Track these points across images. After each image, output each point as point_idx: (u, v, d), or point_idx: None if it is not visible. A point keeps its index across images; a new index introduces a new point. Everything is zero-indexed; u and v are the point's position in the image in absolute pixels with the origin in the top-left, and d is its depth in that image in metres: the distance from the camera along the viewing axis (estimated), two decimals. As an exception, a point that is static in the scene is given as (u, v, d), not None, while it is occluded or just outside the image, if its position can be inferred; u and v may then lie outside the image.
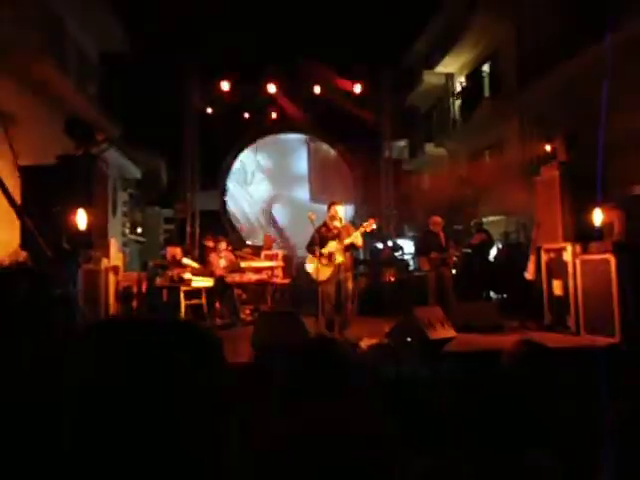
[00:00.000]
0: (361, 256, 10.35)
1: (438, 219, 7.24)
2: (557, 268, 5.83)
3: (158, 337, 0.53)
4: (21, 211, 3.37)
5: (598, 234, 5.27)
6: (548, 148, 6.13)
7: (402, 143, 17.53)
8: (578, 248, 5.50)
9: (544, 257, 6.10)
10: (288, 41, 14.14)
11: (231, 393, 0.58)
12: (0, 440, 0.48)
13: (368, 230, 5.54)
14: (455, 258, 7.35)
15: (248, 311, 7.95)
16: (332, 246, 5.44)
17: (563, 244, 5.67)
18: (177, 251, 8.71)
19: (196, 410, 0.50)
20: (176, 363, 0.51)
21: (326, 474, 0.59)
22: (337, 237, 5.43)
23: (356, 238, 5.38)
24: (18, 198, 3.97)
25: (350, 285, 5.48)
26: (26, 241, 4.41)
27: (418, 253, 7.31)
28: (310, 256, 5.61)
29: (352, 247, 5.47)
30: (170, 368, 0.50)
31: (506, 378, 1.40)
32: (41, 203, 4.34)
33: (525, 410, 1.33)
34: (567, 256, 5.61)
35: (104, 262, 5.94)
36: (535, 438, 1.41)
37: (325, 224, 5.63)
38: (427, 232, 7.31)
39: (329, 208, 5.66)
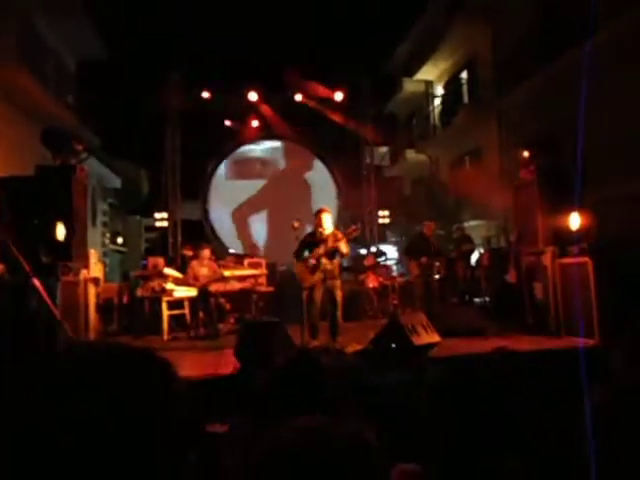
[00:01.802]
0: (344, 263, 10.37)
1: (432, 224, 7.32)
2: (537, 271, 5.93)
3: (94, 372, 0.50)
4: (-3, 224, 3.30)
5: (576, 238, 5.38)
6: (526, 153, 6.24)
7: (383, 150, 17.69)
8: (557, 252, 5.61)
9: (524, 261, 6.20)
10: (269, 49, 14.19)
11: (186, 421, 0.56)
12: None
13: (351, 237, 5.56)
14: (438, 263, 7.42)
15: (232, 320, 7.89)
16: (318, 253, 5.45)
17: (542, 248, 5.77)
18: (159, 261, 8.62)
19: (144, 448, 0.48)
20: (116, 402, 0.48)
21: None
22: (323, 244, 5.44)
23: (340, 245, 5.38)
24: (-6, 210, 3.89)
25: (339, 293, 5.48)
26: (3, 254, 4.32)
27: (408, 257, 7.33)
28: (296, 262, 5.61)
29: (337, 254, 5.47)
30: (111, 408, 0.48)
31: (481, 385, 1.41)
32: (19, 215, 4.25)
33: (501, 417, 1.34)
34: (546, 260, 5.72)
35: (83, 273, 5.85)
36: (513, 445, 1.43)
37: (312, 231, 5.65)
38: (419, 236, 7.36)
39: (316, 216, 5.66)
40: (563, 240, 5.54)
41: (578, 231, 5.28)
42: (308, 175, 14.39)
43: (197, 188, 13.30)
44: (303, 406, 1.24)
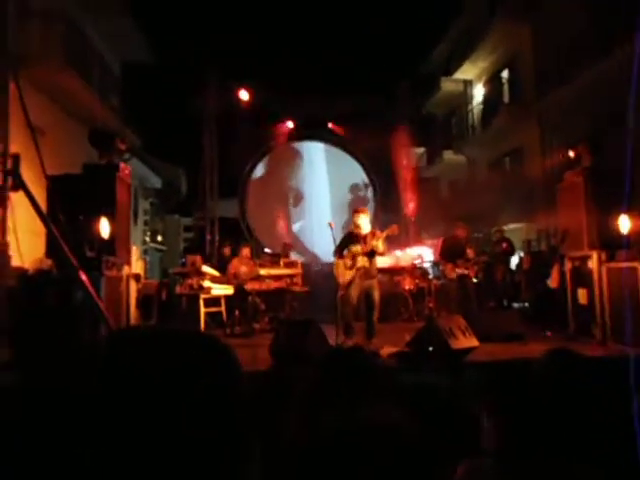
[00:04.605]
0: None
1: (464, 225, 7.18)
2: (582, 276, 5.71)
3: (176, 349, 0.52)
4: (47, 219, 3.43)
5: (625, 242, 5.15)
6: (572, 154, 6.02)
7: (420, 150, 17.47)
8: (604, 256, 5.38)
9: (568, 265, 5.98)
10: (308, 50, 14.25)
11: (249, 403, 0.57)
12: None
13: (390, 234, 5.50)
14: (476, 267, 7.25)
15: (267, 319, 7.95)
16: (355, 250, 5.45)
17: (588, 252, 5.56)
18: (197, 259, 8.78)
19: (215, 421, 0.49)
20: (193, 375, 0.50)
21: None
22: (361, 243, 5.45)
23: (377, 244, 5.35)
24: (44, 207, 4.05)
25: (376, 293, 5.44)
26: (51, 249, 4.49)
27: (443, 260, 7.20)
28: (335, 261, 5.63)
29: (375, 253, 5.44)
30: (188, 380, 0.50)
31: (538, 387, 1.36)
32: (66, 211, 4.41)
33: (558, 419, 1.29)
34: (592, 264, 5.49)
35: (126, 269, 6.01)
36: (573, 449, 1.37)
37: (350, 231, 5.68)
38: (451, 238, 7.22)
39: (353, 215, 5.73)
40: (611, 244, 5.31)
41: (628, 235, 5.06)
42: (344, 175, 14.37)
43: (234, 187, 13.49)
44: (349, 398, 1.23)
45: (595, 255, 5.45)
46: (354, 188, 14.13)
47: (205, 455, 0.48)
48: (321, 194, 14.15)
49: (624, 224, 5.10)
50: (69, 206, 4.65)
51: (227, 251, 8.46)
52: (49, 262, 4.79)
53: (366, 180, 14.18)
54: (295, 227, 13.81)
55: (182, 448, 0.47)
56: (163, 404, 0.47)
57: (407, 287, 8.88)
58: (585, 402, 1.43)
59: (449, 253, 7.14)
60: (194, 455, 0.47)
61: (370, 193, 14.12)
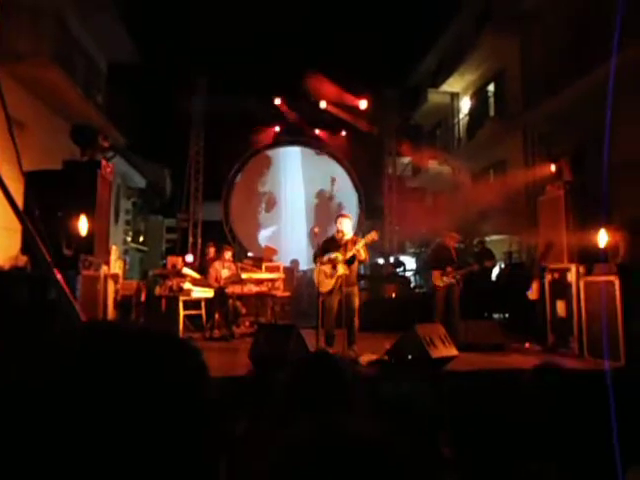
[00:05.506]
0: (362, 271, 10.30)
1: (456, 235, 7.14)
2: (561, 289, 5.77)
3: (137, 347, 0.50)
4: (22, 215, 3.34)
5: (603, 255, 5.23)
6: (553, 168, 6.11)
7: (406, 160, 17.61)
8: (582, 269, 5.46)
9: (548, 277, 6.05)
10: (296, 57, 14.31)
11: (218, 407, 0.55)
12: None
13: (370, 242, 5.47)
14: (459, 277, 7.27)
15: (247, 323, 7.88)
16: (335, 257, 5.40)
17: (567, 265, 5.63)
18: (178, 261, 8.67)
19: (169, 424, 0.46)
20: (138, 375, 0.47)
21: None
22: (342, 249, 5.40)
23: (359, 251, 5.32)
24: (21, 203, 3.95)
25: (356, 300, 5.41)
26: (27, 246, 4.38)
27: (431, 268, 7.14)
28: (315, 267, 5.58)
29: (356, 260, 5.41)
30: (148, 382, 0.47)
31: (525, 399, 1.35)
32: (44, 208, 4.32)
33: (545, 430, 1.28)
34: (571, 277, 5.57)
35: (104, 269, 5.90)
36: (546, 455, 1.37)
37: (332, 236, 5.61)
38: (440, 246, 7.21)
39: (336, 221, 5.64)
40: (589, 258, 5.39)
41: (606, 249, 5.14)
42: (329, 182, 14.39)
43: (219, 190, 13.41)
44: (321, 403, 1.21)
45: (574, 268, 5.53)
46: (320, 194, 14.20)
47: (154, 459, 0.45)
48: (296, 200, 14.15)
49: (603, 238, 5.19)
50: (47, 202, 4.55)
51: (211, 252, 8.31)
52: (24, 259, 4.68)
53: (334, 187, 14.29)
54: (267, 232, 13.77)
55: (130, 449, 0.44)
56: (107, 402, 0.44)
57: (389, 295, 8.90)
58: (571, 415, 1.43)
59: (438, 261, 7.12)
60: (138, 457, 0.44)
61: (336, 200, 14.25)
